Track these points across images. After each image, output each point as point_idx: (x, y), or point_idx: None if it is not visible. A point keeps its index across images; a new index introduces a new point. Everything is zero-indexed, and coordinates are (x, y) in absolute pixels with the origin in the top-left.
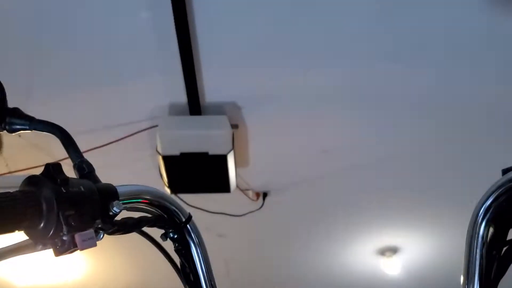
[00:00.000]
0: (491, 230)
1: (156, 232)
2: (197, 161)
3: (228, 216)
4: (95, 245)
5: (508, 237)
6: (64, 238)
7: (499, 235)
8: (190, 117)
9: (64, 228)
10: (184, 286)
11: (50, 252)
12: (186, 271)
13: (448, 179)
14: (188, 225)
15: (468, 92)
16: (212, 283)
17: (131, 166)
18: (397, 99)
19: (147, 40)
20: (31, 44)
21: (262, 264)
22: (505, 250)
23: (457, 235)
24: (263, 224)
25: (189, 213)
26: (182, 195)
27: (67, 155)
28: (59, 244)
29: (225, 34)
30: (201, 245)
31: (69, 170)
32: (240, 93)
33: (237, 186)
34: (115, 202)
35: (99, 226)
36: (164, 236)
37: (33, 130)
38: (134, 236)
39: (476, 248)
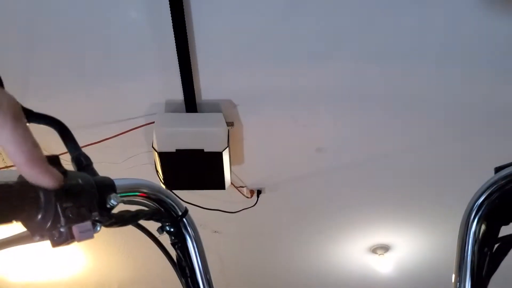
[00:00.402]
0: (483, 227)
1: (152, 226)
2: (192, 158)
3: (223, 213)
4: (92, 237)
5: (500, 234)
6: (62, 229)
7: (491, 232)
8: (186, 114)
9: (62, 220)
10: (180, 280)
11: (46, 248)
12: (182, 264)
13: (440, 177)
14: (184, 219)
15: (461, 92)
16: (208, 276)
17: (127, 162)
18: (390, 99)
19: (144, 37)
20: (28, 40)
21: (255, 260)
22: (497, 247)
23: (448, 233)
24: (257, 221)
25: (186, 207)
26: (177, 191)
27: (64, 151)
28: (57, 236)
29: (222, 32)
30: (197, 239)
31: (66, 166)
32: (236, 91)
33: (232, 183)
34: (113, 195)
35: (97, 218)
36: (161, 230)
37: (31, 123)
38: (129, 231)
39: (468, 244)
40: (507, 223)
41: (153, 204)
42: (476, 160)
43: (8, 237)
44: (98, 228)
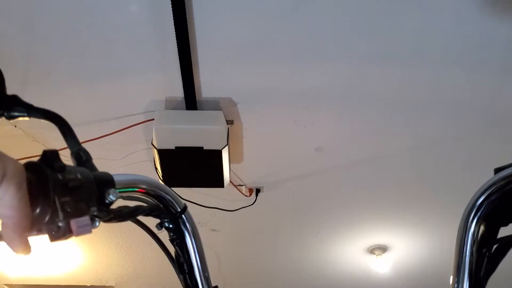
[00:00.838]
0: (482, 228)
1: (151, 223)
2: (191, 155)
3: (221, 211)
4: (90, 231)
5: (499, 235)
6: (60, 224)
7: (490, 233)
8: (186, 112)
9: (60, 214)
10: (178, 276)
11: (44, 243)
12: (180, 260)
13: (439, 178)
14: (183, 215)
15: (462, 93)
16: (206, 273)
17: (126, 159)
18: (391, 99)
19: (145, 34)
20: (29, 36)
21: (253, 259)
22: (495, 248)
23: (447, 235)
24: (256, 220)
25: (185, 204)
26: (176, 189)
27: (63, 147)
28: (55, 230)
29: (223, 30)
30: (195, 235)
31: (65, 161)
32: (236, 89)
33: (231, 181)
34: (111, 190)
35: (95, 213)
36: (159, 226)
37: (31, 118)
38: (127, 228)
39: (467, 245)
40: (506, 224)
41: (152, 200)
42: (476, 161)
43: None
44: (97, 224)
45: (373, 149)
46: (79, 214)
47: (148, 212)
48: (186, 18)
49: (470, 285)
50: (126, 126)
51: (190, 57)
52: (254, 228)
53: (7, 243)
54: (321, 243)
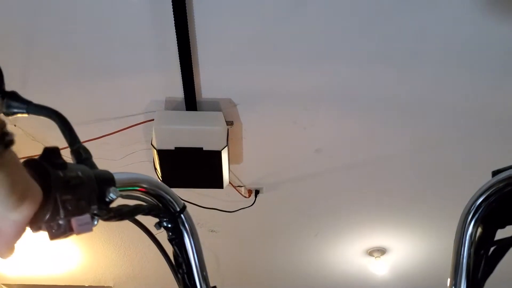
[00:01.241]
0: (479, 229)
1: (150, 222)
2: (191, 156)
3: (220, 212)
4: (91, 230)
5: (496, 237)
6: (60, 222)
7: (488, 235)
8: (186, 113)
9: (61, 212)
10: (175, 276)
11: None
12: (179, 260)
13: (438, 180)
14: (182, 215)
15: (461, 93)
16: (204, 273)
17: (125, 159)
18: (389, 101)
19: (145, 34)
20: (28, 36)
21: (252, 260)
22: (493, 250)
23: (445, 237)
24: (255, 221)
25: (184, 203)
26: (175, 190)
27: (63, 146)
28: (55, 228)
29: (224, 31)
30: (194, 235)
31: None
32: (236, 90)
33: (230, 182)
34: (112, 189)
35: (95, 212)
36: (158, 225)
37: (31, 114)
38: (126, 228)
39: (464, 247)
40: (503, 226)
41: (152, 199)
42: (476, 161)
43: None
44: (96, 222)
45: (372, 150)
46: (80, 212)
47: (147, 211)
48: (186, 18)
49: (468, 287)
50: (125, 126)
51: (190, 58)
52: (253, 229)
53: None
54: (320, 244)
